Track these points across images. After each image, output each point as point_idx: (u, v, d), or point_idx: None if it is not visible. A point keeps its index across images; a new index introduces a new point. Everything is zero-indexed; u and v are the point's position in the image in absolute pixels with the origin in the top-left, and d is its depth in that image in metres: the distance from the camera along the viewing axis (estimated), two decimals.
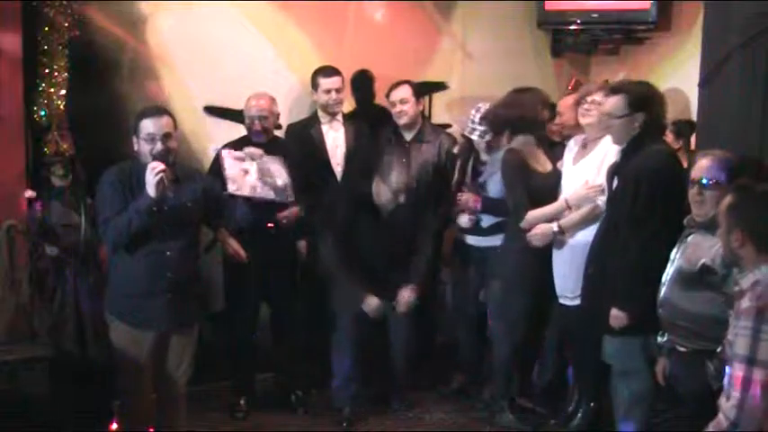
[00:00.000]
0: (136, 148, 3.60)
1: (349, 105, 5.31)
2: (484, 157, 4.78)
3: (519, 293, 4.43)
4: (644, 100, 3.70)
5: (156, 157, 3.49)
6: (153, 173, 3.43)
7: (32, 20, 4.18)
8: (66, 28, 4.26)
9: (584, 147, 4.30)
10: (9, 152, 4.11)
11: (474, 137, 4.71)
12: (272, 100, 4.72)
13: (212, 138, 5.03)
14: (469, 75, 5.85)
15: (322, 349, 4.82)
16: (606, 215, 3.88)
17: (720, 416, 2.61)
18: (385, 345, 4.76)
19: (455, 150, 4.95)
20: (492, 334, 4.70)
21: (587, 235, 4.07)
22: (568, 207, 4.25)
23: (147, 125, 3.56)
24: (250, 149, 4.24)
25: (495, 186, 4.65)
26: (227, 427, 4.54)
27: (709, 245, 3.13)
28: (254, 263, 4.51)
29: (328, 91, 4.90)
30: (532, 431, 4.53)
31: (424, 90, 5.38)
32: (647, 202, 3.54)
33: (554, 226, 4.23)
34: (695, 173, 3.26)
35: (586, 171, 4.24)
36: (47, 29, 4.21)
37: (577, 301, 4.14)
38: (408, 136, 5.06)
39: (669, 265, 3.26)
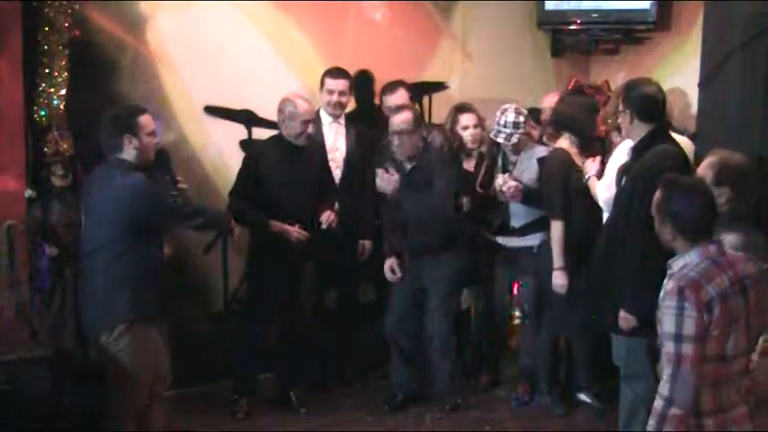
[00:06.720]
0: (133, 146, 3.51)
1: (349, 106, 5.31)
2: (512, 157, 4.74)
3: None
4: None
5: (163, 152, 3.65)
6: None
7: (32, 20, 4.17)
8: (66, 28, 4.25)
9: None
10: (9, 152, 4.11)
11: (500, 139, 4.63)
12: None
13: (212, 138, 5.04)
14: (469, 75, 5.86)
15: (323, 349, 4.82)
16: (612, 214, 3.87)
17: (657, 399, 2.66)
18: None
19: (483, 149, 4.89)
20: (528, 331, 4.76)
21: None
22: None
23: (149, 121, 3.55)
24: None
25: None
26: (227, 426, 4.53)
27: None
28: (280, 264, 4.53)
29: (331, 92, 4.86)
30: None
31: (424, 90, 5.37)
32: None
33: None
34: None
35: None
36: (47, 29, 4.21)
37: None
38: None
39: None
